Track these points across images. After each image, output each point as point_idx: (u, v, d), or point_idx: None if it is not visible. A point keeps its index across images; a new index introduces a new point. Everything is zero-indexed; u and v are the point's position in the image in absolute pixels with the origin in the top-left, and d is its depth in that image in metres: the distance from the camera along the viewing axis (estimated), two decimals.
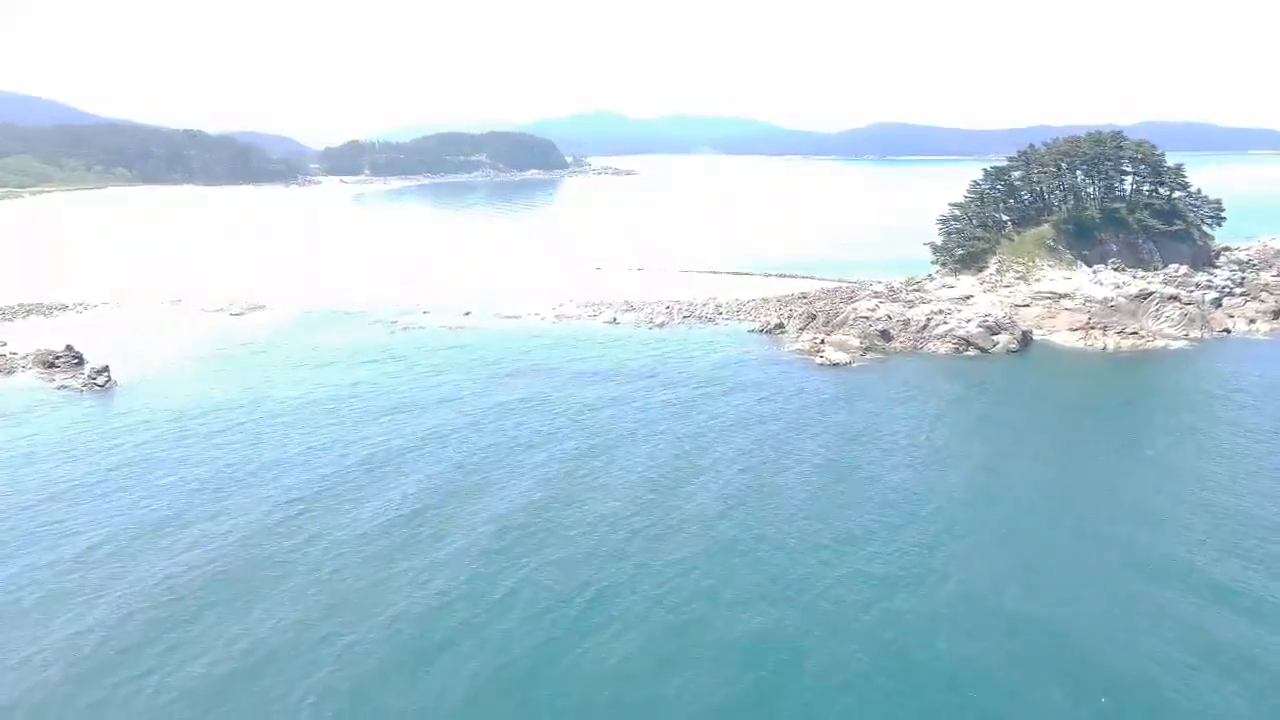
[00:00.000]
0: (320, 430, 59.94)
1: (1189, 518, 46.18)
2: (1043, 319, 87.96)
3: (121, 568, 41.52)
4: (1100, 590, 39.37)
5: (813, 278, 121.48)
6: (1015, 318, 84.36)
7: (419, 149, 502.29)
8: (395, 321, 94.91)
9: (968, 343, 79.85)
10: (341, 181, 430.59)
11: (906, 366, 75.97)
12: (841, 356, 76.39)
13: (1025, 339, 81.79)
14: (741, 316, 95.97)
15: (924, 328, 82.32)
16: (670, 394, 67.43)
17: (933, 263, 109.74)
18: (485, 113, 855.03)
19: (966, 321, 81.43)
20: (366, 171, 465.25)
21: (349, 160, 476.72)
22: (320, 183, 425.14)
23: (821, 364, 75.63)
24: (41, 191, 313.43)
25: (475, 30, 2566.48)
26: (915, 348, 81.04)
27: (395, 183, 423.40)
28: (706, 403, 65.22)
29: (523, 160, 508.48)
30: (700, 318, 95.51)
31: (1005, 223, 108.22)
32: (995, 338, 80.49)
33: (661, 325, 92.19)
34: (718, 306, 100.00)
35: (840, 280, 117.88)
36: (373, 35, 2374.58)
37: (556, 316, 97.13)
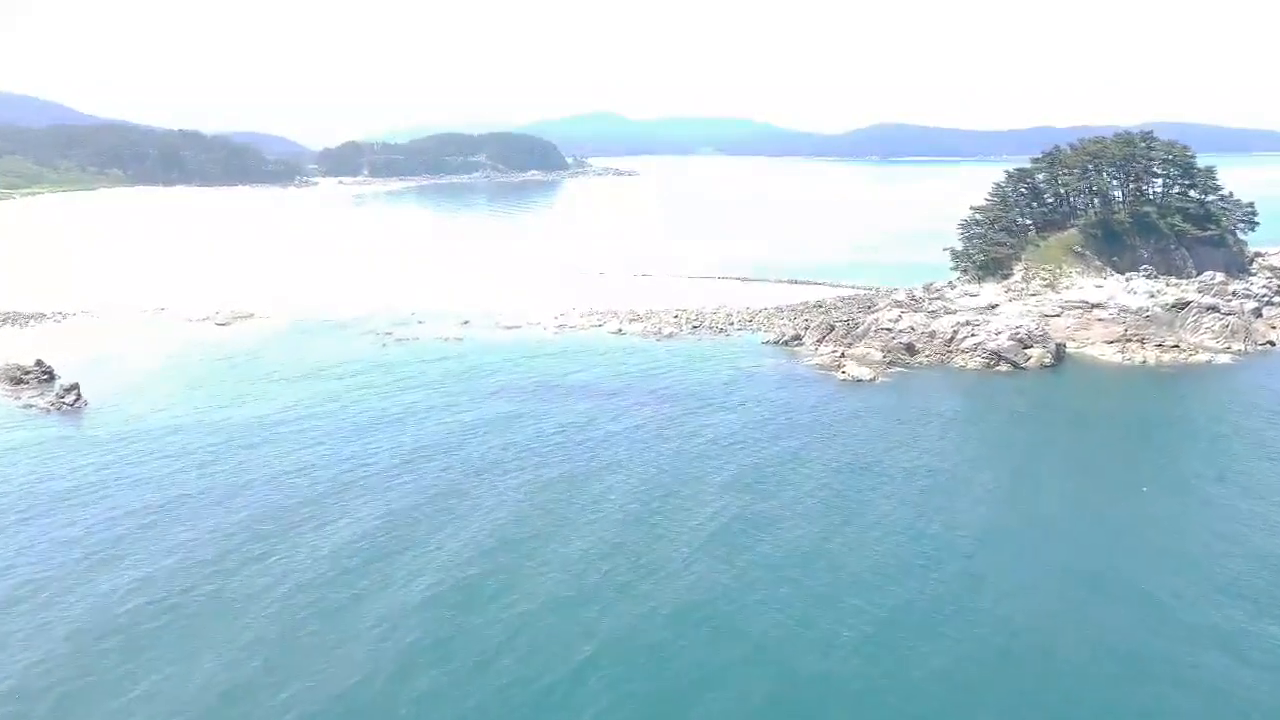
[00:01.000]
0: (293, 452, 54.59)
1: (1251, 571, 40.37)
2: (1075, 330, 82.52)
3: (48, 617, 36.14)
4: (1170, 666, 33.52)
5: (826, 284, 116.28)
6: (1047, 329, 78.92)
7: (418, 150, 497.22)
8: (389, 333, 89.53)
9: (999, 357, 74.41)
10: (340, 183, 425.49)
11: (934, 383, 70.54)
12: (864, 372, 70.99)
13: (1059, 353, 76.34)
14: (755, 327, 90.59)
15: (951, 340, 76.94)
16: (677, 411, 62.07)
17: (952, 269, 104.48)
18: (485, 113, 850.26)
19: (996, 334, 76.01)
20: (365, 172, 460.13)
21: (347, 161, 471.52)
22: (318, 184, 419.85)
23: (843, 380, 70.24)
24: (32, 193, 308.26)
25: (475, 30, 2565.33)
26: (942, 361, 75.64)
27: (394, 184, 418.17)
28: (717, 423, 59.86)
29: (523, 161, 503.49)
30: (711, 328, 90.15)
31: (1028, 227, 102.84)
32: (1028, 351, 75.07)
33: (670, 336, 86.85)
34: (728, 316, 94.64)
35: (855, 286, 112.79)
36: (372, 35, 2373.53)
37: (559, 327, 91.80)
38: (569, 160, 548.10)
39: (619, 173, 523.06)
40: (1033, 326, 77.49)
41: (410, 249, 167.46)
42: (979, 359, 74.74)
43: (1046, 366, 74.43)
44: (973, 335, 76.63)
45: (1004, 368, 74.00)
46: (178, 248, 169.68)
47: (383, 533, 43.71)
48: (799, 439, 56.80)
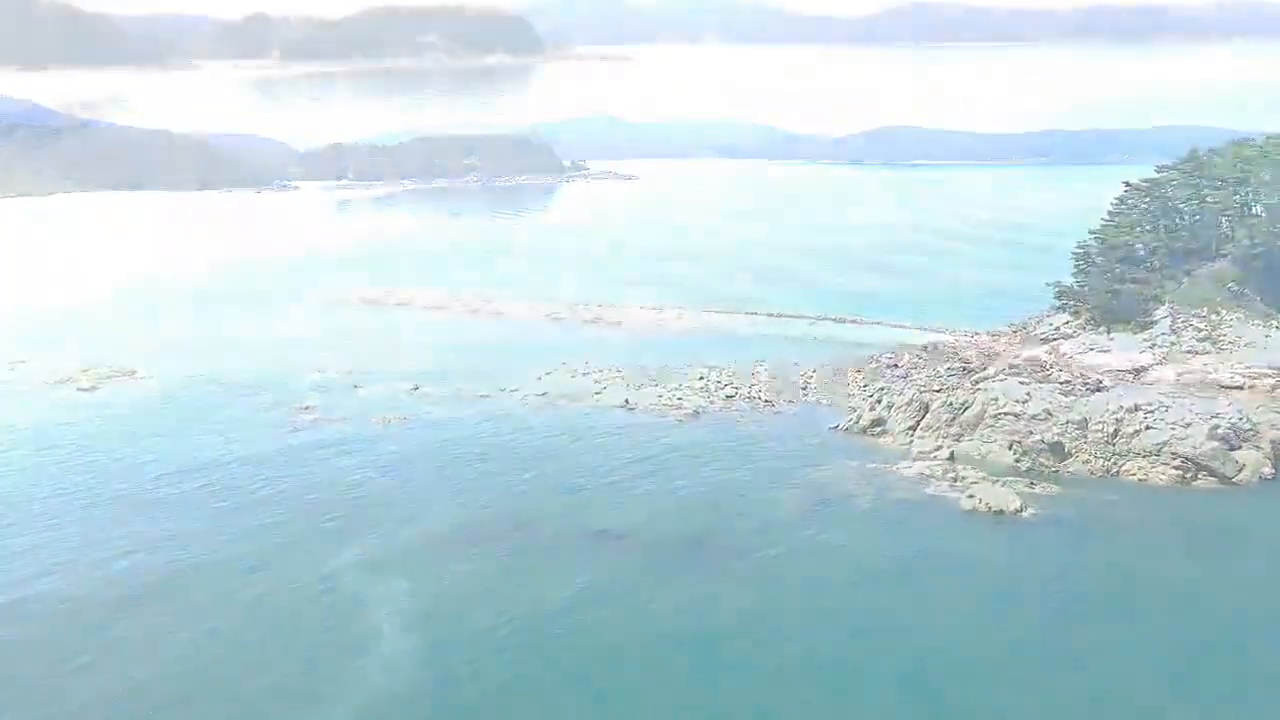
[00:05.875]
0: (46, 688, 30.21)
1: None
2: (1274, 412, 57.99)
3: None
4: None
5: (884, 324, 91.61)
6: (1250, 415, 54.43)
7: (407, 152, 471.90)
8: (307, 406, 64.59)
9: (1195, 465, 49.95)
10: (321, 187, 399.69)
11: (1112, 517, 45.85)
12: (1000, 496, 46.37)
13: (1277, 455, 51.93)
14: (811, 395, 66.06)
15: (1115, 435, 52.40)
16: (741, 603, 37.23)
17: (1058, 308, 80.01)
18: (479, 115, 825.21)
19: (1184, 428, 51.46)
20: (350, 176, 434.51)
21: (331, 164, 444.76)
22: (298, 188, 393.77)
23: (969, 510, 45.67)
24: None
25: (473, 30, 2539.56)
26: (1108, 470, 50.97)
27: (379, 189, 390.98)
28: (782, 631, 35.42)
29: (518, 165, 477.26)
30: (750, 398, 65.57)
31: (1163, 257, 78.29)
32: (1236, 456, 50.60)
33: (696, 414, 62.28)
34: (773, 379, 69.85)
35: (924, 328, 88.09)
36: None
37: (542, 395, 67.06)
38: (566, 163, 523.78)
39: (618, 176, 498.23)
40: (1235, 416, 52.83)
41: (375, 271, 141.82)
42: (1166, 468, 50.16)
43: (1266, 479, 49.94)
44: (1148, 428, 52.08)
45: (1205, 480, 49.52)
46: (91, 271, 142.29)
47: None
48: (946, 682, 32.30)
